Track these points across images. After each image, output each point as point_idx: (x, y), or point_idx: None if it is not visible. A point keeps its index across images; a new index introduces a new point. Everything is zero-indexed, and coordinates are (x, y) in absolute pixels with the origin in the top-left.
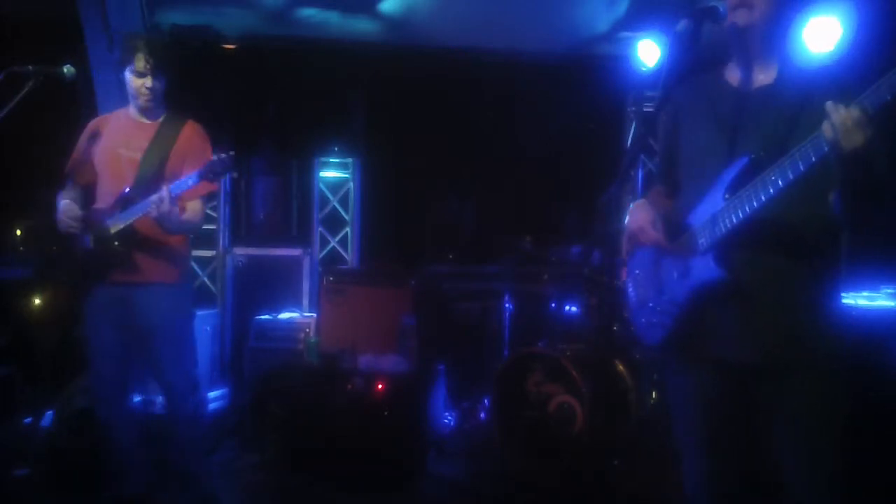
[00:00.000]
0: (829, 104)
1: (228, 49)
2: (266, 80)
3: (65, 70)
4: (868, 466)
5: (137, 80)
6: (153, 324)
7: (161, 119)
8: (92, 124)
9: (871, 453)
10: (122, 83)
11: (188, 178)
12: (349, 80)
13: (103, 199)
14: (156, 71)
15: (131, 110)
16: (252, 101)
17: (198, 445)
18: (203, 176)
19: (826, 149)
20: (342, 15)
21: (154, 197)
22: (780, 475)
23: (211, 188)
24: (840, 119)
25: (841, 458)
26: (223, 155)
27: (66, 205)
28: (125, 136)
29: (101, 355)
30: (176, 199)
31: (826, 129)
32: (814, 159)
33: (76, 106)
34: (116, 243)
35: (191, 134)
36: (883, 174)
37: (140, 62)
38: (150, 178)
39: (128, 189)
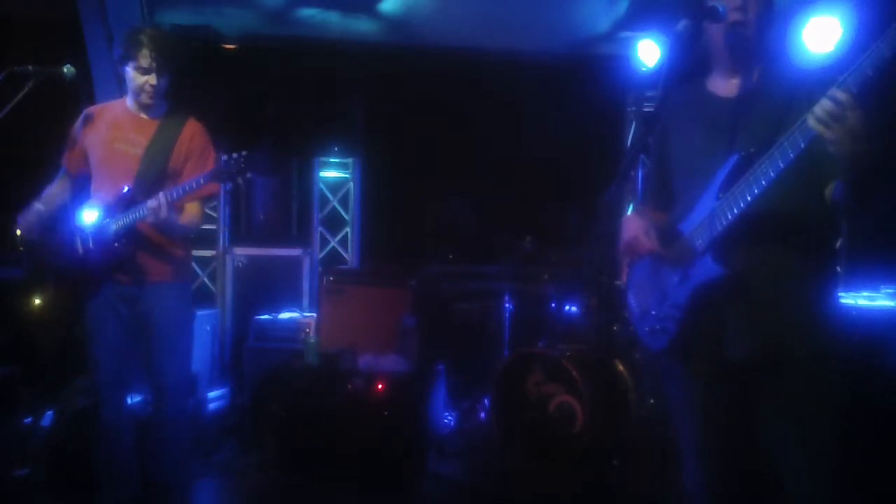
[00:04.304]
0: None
1: (228, 49)
2: (266, 80)
3: (65, 70)
4: (868, 466)
5: (141, 78)
6: (153, 322)
7: (162, 116)
8: (87, 112)
9: (871, 453)
10: (121, 79)
11: (196, 180)
12: (349, 80)
13: (100, 195)
14: (161, 69)
15: (130, 104)
16: (252, 101)
17: (179, 455)
18: (213, 177)
19: (813, 133)
20: (342, 15)
21: (151, 203)
22: (780, 473)
23: (213, 190)
24: (824, 108)
25: (839, 455)
26: (235, 155)
27: (33, 212)
28: (124, 131)
29: (105, 355)
30: (174, 204)
31: (811, 120)
32: (802, 145)
33: (76, 106)
34: (117, 244)
35: (193, 132)
36: (881, 151)
37: (144, 59)
38: (152, 176)
39: (128, 188)
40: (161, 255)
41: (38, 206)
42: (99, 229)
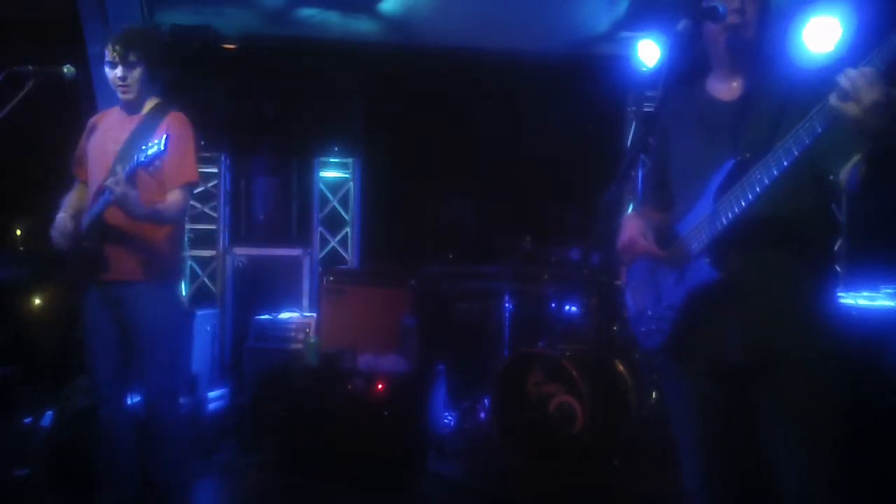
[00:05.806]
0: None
1: (228, 49)
2: (266, 80)
3: (65, 70)
4: (868, 466)
5: (110, 72)
6: (138, 324)
7: (144, 111)
8: (90, 121)
9: (871, 453)
10: None
11: (139, 155)
12: (349, 80)
13: (89, 195)
14: (124, 59)
15: (120, 105)
16: (252, 101)
17: (177, 456)
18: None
19: (807, 142)
20: (342, 15)
21: (109, 180)
22: (779, 473)
23: (192, 178)
24: (850, 80)
25: (839, 455)
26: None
27: (60, 220)
28: (113, 132)
29: (103, 355)
30: (131, 179)
31: (838, 92)
32: (796, 153)
33: (76, 106)
34: (85, 242)
35: (170, 123)
36: None
37: (109, 53)
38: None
39: (102, 182)
40: (132, 247)
41: (62, 213)
42: (75, 228)
